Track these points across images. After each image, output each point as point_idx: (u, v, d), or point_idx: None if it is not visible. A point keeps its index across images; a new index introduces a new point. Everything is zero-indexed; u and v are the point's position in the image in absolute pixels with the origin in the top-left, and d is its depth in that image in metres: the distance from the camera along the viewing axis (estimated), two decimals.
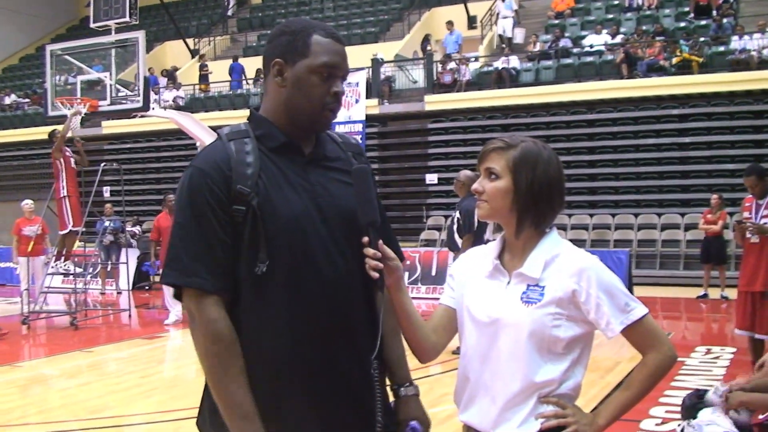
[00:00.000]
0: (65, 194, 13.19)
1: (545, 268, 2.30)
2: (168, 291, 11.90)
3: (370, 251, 2.19)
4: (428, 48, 24.57)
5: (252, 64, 25.67)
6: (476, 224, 8.74)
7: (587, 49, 21.49)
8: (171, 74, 27.81)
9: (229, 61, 27.52)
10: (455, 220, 9.23)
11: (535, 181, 2.31)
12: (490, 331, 2.32)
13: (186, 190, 2.23)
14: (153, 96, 22.59)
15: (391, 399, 2.44)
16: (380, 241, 2.20)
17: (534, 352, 2.26)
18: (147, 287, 17.88)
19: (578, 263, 2.29)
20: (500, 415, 2.30)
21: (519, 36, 23.83)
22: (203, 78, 27.16)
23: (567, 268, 2.28)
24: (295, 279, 2.20)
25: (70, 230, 13.36)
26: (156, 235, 12.55)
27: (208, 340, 2.17)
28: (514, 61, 21.57)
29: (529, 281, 2.30)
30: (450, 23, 24.90)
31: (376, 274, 2.19)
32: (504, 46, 23.60)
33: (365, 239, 2.20)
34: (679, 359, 8.70)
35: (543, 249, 2.33)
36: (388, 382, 2.44)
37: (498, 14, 24.67)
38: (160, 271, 12.09)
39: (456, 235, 9.17)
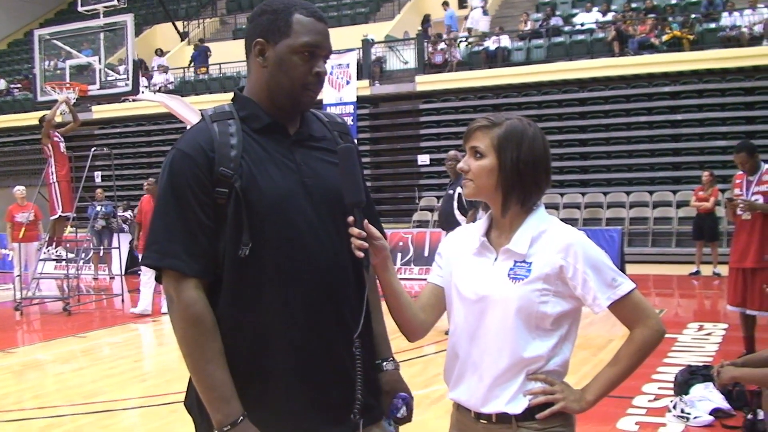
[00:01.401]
0: (55, 180, 13.16)
1: (532, 244, 2.29)
2: (143, 276, 11.76)
3: (355, 231, 2.18)
4: (429, 28, 24.39)
5: (241, 46, 25.43)
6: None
7: (578, 27, 21.43)
8: (142, 64, 27.58)
9: (220, 44, 27.38)
10: (455, 197, 9.18)
11: (520, 159, 2.30)
12: (477, 308, 2.31)
13: (167, 173, 2.22)
14: (144, 81, 22.48)
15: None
16: (366, 221, 2.20)
17: (522, 329, 2.25)
18: (139, 272, 17.83)
19: (565, 239, 2.28)
20: (489, 392, 2.30)
21: (483, 25, 23.68)
22: (204, 61, 26.94)
23: (554, 244, 2.28)
24: (283, 259, 2.19)
25: (60, 215, 13.34)
26: (140, 217, 12.28)
27: (186, 323, 2.16)
28: (505, 41, 21.52)
29: (516, 257, 2.30)
30: (446, 3, 24.79)
31: (361, 254, 2.19)
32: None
33: (350, 219, 2.19)
34: (672, 336, 8.76)
35: (530, 225, 2.33)
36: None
37: (470, 7, 24.58)
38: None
39: (456, 213, 9.13)
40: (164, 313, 11.37)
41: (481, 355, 2.32)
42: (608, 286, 2.27)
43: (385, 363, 2.45)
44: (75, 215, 13.95)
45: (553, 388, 2.27)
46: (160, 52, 27.76)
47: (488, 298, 2.29)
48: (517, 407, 2.27)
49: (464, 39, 23.06)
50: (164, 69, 26.28)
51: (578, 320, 2.35)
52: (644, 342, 2.32)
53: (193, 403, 2.29)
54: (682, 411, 5.78)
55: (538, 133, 2.35)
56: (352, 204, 2.20)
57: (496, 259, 2.34)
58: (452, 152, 9.53)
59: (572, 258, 2.25)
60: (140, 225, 12.32)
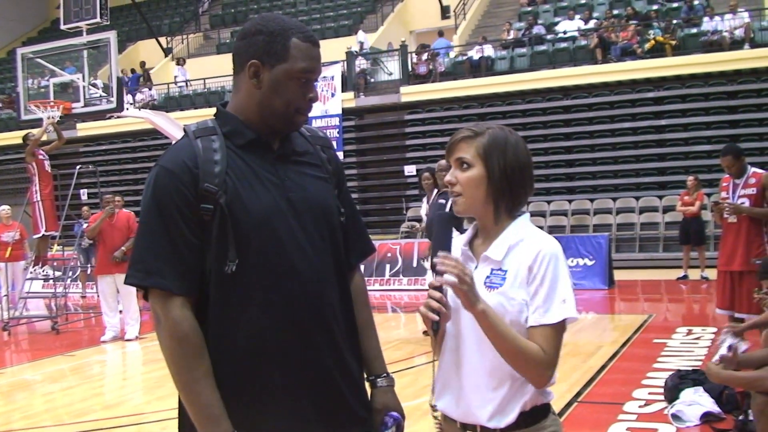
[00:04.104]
0: (39, 198, 13.11)
1: (508, 252, 2.28)
2: (104, 303, 11.57)
3: (435, 294, 2.19)
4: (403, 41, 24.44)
5: (226, 61, 25.52)
6: None
7: (561, 35, 21.53)
8: (146, 73, 27.58)
9: (204, 59, 27.35)
10: (447, 208, 9.12)
11: (507, 166, 2.30)
12: (458, 317, 2.30)
13: (151, 190, 2.20)
14: (129, 98, 22.43)
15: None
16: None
17: None
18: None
19: (538, 245, 2.26)
20: (470, 402, 2.29)
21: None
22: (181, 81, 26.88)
23: (528, 252, 2.26)
24: (269, 274, 2.19)
25: (44, 234, 13.28)
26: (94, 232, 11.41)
27: (174, 342, 2.15)
28: (489, 50, 21.58)
29: (493, 265, 2.29)
30: (440, 33, 24.58)
31: (435, 317, 2.19)
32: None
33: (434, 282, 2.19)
34: (661, 341, 8.79)
35: (509, 233, 2.32)
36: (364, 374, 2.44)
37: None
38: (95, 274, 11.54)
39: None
40: (128, 340, 11.24)
41: (462, 364, 2.31)
42: (546, 306, 2.21)
43: (378, 379, 2.44)
44: (58, 234, 13.89)
45: (465, 277, 2.14)
46: (182, 62, 27.39)
47: None
48: (501, 422, 2.24)
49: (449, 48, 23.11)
50: (149, 85, 26.23)
51: (564, 329, 2.31)
52: (532, 354, 2.19)
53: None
54: (674, 416, 5.79)
55: (519, 139, 2.36)
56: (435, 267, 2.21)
57: (476, 267, 2.34)
58: (443, 162, 9.53)
59: (537, 265, 2.23)
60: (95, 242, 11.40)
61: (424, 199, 10.16)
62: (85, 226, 16.53)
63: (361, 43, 23.46)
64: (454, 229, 2.34)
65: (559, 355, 2.24)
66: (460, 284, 2.14)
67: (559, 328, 2.22)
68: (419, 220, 10.75)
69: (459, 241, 2.44)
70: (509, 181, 2.30)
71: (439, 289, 2.21)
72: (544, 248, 2.25)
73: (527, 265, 2.24)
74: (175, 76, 26.57)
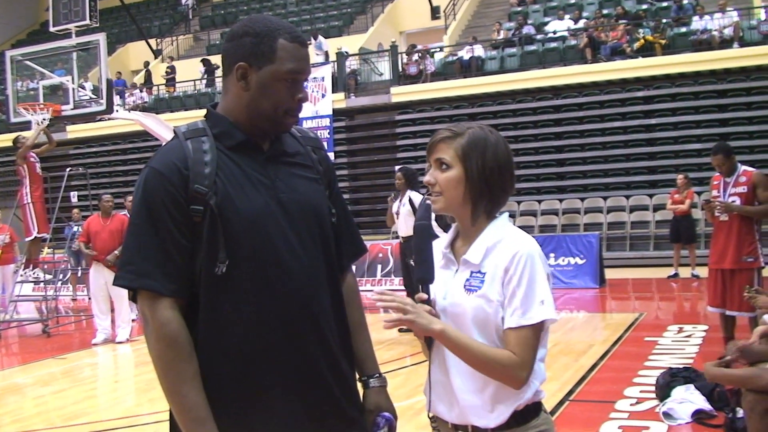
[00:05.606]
0: (29, 201, 13.06)
1: (487, 254, 2.28)
2: (95, 306, 11.53)
3: (426, 307, 2.23)
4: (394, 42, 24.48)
5: (216, 62, 25.52)
6: None
7: (551, 35, 21.57)
8: (148, 74, 27.51)
9: (193, 60, 27.29)
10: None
11: (485, 166, 2.29)
12: (444, 320, 2.29)
13: (141, 192, 2.20)
14: (117, 99, 22.31)
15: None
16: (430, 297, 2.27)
17: (482, 340, 2.23)
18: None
19: (515, 247, 2.25)
20: (458, 404, 2.29)
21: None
22: (169, 81, 26.84)
23: (505, 254, 2.25)
24: (260, 275, 2.19)
25: (36, 237, 13.24)
26: (85, 239, 11.37)
27: (161, 343, 2.15)
28: (479, 50, 21.61)
29: (472, 268, 2.29)
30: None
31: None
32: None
33: (422, 296, 2.26)
34: (652, 339, 8.81)
35: (487, 235, 2.32)
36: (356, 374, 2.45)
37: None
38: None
39: (434, 224, 9.02)
40: (119, 342, 11.21)
41: (449, 366, 2.31)
42: (524, 308, 2.20)
43: (371, 380, 2.44)
44: (50, 236, 13.84)
45: (405, 307, 2.18)
46: (207, 63, 27.22)
47: (448, 310, 2.30)
48: (491, 421, 2.25)
49: (438, 49, 23.12)
50: (142, 86, 26.15)
51: (543, 329, 2.27)
52: (501, 361, 2.19)
53: None
54: (665, 414, 5.81)
55: (500, 139, 2.36)
56: (420, 281, 2.27)
57: (457, 270, 2.34)
58: None
59: (514, 266, 2.22)
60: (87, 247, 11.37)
61: (397, 199, 10.14)
62: (75, 228, 16.55)
63: (326, 52, 23.27)
64: (439, 231, 2.36)
65: (535, 356, 2.23)
66: (404, 315, 2.17)
67: (538, 329, 2.22)
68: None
69: (440, 244, 2.44)
70: (488, 181, 2.30)
71: (428, 302, 2.23)
72: (520, 249, 2.24)
73: (504, 267, 2.23)
74: (201, 72, 26.42)
